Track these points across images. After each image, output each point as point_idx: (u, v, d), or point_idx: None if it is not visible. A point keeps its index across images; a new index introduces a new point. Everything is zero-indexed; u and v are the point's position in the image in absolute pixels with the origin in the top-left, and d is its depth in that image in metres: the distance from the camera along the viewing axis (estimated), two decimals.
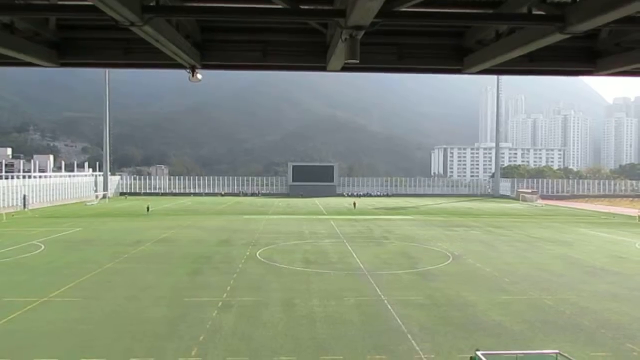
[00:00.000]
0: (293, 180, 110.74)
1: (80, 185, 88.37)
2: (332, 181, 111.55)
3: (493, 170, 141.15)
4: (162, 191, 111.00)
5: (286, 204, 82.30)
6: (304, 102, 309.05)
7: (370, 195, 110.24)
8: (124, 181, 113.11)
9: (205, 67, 12.25)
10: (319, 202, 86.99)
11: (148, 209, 61.64)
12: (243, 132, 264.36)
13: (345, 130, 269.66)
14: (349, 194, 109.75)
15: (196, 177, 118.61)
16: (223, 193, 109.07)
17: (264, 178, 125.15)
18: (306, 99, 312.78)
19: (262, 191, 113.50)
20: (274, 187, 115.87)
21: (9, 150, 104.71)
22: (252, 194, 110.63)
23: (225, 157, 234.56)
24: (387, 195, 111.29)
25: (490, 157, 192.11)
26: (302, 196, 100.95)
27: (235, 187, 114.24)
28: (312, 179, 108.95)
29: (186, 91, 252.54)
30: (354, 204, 74.00)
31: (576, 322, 17.32)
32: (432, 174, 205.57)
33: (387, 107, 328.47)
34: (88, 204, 78.45)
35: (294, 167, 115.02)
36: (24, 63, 11.83)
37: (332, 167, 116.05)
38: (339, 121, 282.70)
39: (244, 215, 60.18)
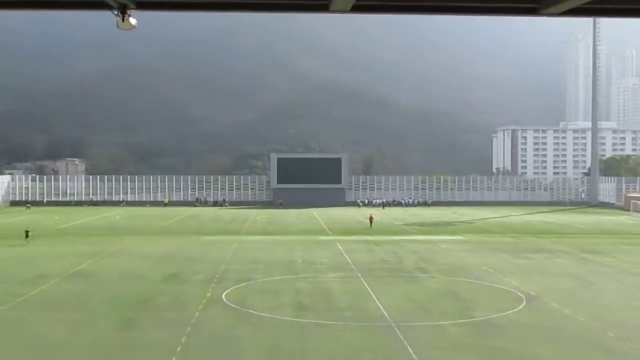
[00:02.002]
0: (279, 181, 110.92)
1: None
2: (340, 182, 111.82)
3: (588, 164, 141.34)
4: (77, 198, 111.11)
5: (268, 217, 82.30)
6: (295, 62, 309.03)
7: (400, 204, 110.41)
8: (18, 183, 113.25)
9: (141, 6, 12.17)
10: (319, 214, 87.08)
11: (27, 234, 55.28)
12: (200, 108, 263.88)
13: (358, 104, 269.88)
14: (365, 201, 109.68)
15: (128, 177, 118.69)
16: (167, 202, 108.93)
17: (234, 177, 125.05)
18: (298, 57, 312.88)
19: (231, 198, 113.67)
20: (250, 192, 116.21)
21: None
22: (216, 203, 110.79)
23: (174, 146, 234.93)
24: (425, 204, 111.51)
25: (584, 145, 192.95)
26: (283, 206, 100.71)
27: (189, 191, 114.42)
28: (309, 179, 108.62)
29: (113, 46, 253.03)
30: (370, 218, 73.25)
31: None
32: (493, 170, 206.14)
33: (422, 70, 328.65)
34: None
35: (279, 160, 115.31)
36: None
37: (339, 160, 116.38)
38: (349, 90, 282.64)
39: (202, 235, 60.28)
